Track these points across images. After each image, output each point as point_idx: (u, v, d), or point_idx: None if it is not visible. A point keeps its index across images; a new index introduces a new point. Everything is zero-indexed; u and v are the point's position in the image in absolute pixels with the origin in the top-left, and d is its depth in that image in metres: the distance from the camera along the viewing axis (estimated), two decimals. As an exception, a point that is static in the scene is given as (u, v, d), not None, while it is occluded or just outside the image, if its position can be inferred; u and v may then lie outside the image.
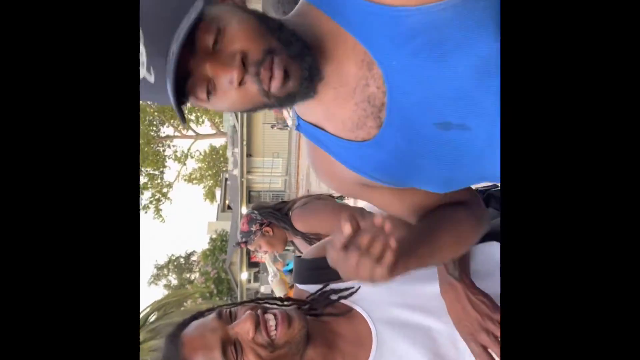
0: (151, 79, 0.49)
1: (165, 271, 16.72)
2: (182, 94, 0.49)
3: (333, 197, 1.50)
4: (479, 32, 0.49)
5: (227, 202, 15.97)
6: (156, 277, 16.64)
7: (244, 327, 0.65)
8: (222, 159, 16.40)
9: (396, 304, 0.76)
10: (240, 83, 0.47)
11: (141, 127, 13.50)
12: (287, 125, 11.51)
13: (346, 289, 0.76)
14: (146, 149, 13.81)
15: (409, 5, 0.49)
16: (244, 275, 12.38)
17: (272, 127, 12.54)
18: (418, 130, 0.55)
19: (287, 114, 10.30)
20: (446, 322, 0.73)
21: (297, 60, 0.49)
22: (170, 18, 0.48)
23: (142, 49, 0.48)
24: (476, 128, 0.54)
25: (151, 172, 14.56)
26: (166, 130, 14.91)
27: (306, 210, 1.36)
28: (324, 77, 0.52)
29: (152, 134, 14.23)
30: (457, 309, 0.71)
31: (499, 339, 0.67)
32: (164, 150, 15.21)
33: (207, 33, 0.47)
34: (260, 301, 0.77)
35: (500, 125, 0.45)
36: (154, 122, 14.21)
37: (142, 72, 0.49)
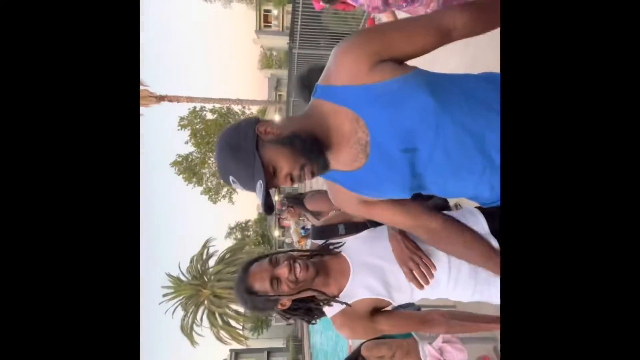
0: (238, 187, 0.77)
1: (234, 230, 26.27)
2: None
3: (326, 191, 1.98)
4: (417, 91, 0.74)
5: None
6: (228, 234, 26.03)
7: (283, 270, 0.99)
8: None
9: (366, 252, 1.07)
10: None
11: None
12: None
13: (338, 243, 1.10)
14: None
15: (375, 82, 0.75)
16: (276, 233, 17.96)
17: None
18: (390, 155, 0.78)
19: None
20: (393, 263, 1.02)
21: (317, 161, 0.76)
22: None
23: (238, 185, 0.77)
24: (422, 149, 0.77)
25: None
26: None
27: (312, 198, 2.16)
28: (331, 148, 0.78)
29: None
30: (397, 249, 0.99)
31: (419, 266, 0.96)
32: None
33: (268, 172, 0.74)
34: (294, 252, 1.09)
35: (435, 147, 0.73)
36: None
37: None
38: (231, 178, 0.78)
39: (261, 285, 1.01)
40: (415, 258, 0.97)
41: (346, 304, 1.04)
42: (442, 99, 0.75)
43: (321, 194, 2.26)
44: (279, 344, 20.17)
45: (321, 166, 0.78)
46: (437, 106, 0.74)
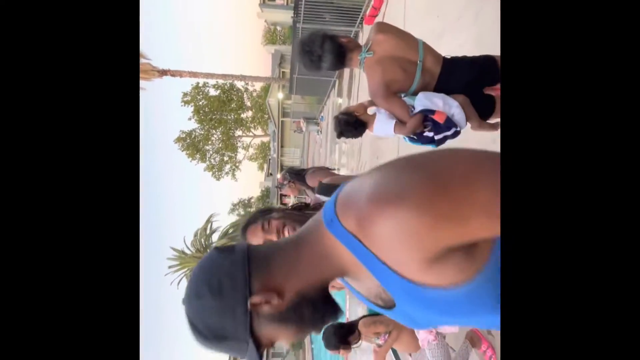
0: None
1: (237, 207, 26.74)
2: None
3: (327, 168, 2.30)
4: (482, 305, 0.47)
5: (269, 171, 25.16)
6: (231, 210, 26.53)
7: (272, 237, 1.02)
8: (267, 148, 25.55)
9: None
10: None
11: (224, 130, 22.25)
12: (302, 131, 19.58)
13: None
14: (227, 142, 22.45)
15: (427, 285, 0.46)
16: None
17: (294, 132, 20.56)
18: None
19: (302, 124, 19.19)
20: None
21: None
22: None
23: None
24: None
25: (230, 154, 22.61)
26: (238, 132, 23.46)
27: (313, 175, 2.15)
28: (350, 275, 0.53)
29: (230, 134, 22.65)
30: None
31: None
32: (236, 143, 23.15)
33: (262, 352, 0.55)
34: (292, 210, 1.12)
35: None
36: (232, 128, 22.85)
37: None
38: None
39: None
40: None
41: None
42: None
43: (322, 170, 2.27)
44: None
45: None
46: None
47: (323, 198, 1.20)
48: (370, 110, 1.79)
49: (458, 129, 1.65)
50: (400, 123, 1.67)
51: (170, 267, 13.24)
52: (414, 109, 1.63)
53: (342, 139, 1.81)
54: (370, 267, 0.48)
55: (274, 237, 1.03)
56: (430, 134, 1.67)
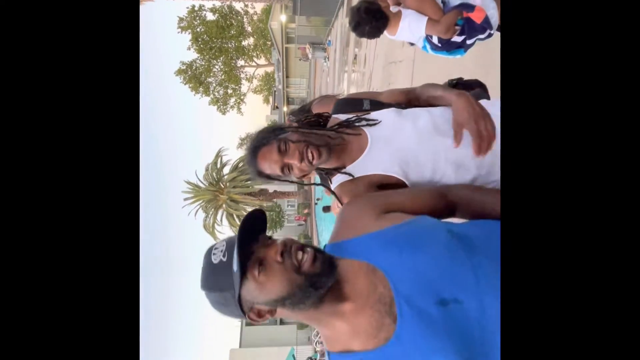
0: (224, 259, 0.64)
1: (245, 141, 27.45)
2: (244, 270, 0.62)
3: (334, 95, 2.00)
4: (435, 228, 0.68)
5: (275, 104, 24.93)
6: (240, 145, 25.90)
7: (294, 161, 0.90)
8: (272, 79, 24.77)
9: (391, 129, 0.97)
10: (282, 255, 0.62)
11: (225, 60, 21.70)
12: (308, 59, 19.32)
13: (372, 120, 0.98)
14: (230, 73, 21.84)
15: (386, 227, 0.69)
16: None
17: (300, 59, 19.88)
18: (425, 317, 0.58)
19: (308, 50, 18.25)
20: (421, 143, 0.93)
21: (323, 257, 0.64)
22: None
23: (224, 244, 0.67)
24: (467, 301, 0.58)
25: (234, 87, 22.44)
26: (240, 62, 22.68)
27: (319, 103, 1.93)
28: (338, 278, 0.64)
29: (232, 64, 21.90)
30: (466, 105, 0.86)
31: (487, 130, 0.82)
32: (240, 74, 22.77)
33: (264, 236, 0.67)
34: (307, 126, 1.01)
35: (491, 298, 0.54)
36: (234, 58, 21.98)
37: (219, 257, 0.65)
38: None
39: (272, 170, 0.94)
40: (486, 120, 0.85)
41: (349, 174, 0.97)
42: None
43: (329, 98, 2.13)
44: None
45: (327, 257, 0.68)
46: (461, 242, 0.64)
47: (342, 117, 1.04)
48: (394, 8, 1.61)
49: (492, 31, 1.53)
50: (432, 20, 1.55)
51: (185, 199, 13.76)
52: (445, 5, 1.51)
53: (355, 37, 1.74)
54: (348, 252, 0.71)
55: (295, 161, 0.90)
56: (460, 39, 1.55)
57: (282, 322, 18.71)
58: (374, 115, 1.01)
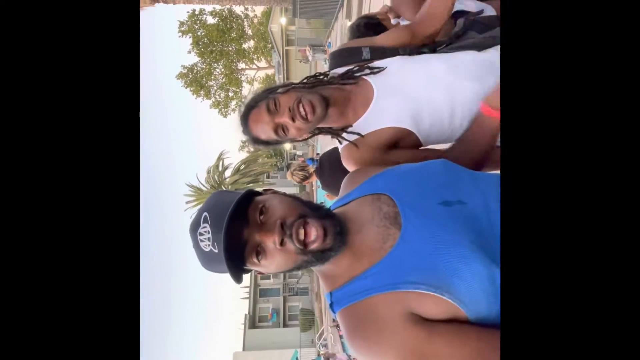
0: (215, 250, 0.56)
1: (247, 144, 27.33)
2: (241, 262, 0.58)
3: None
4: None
5: None
6: (241, 147, 27.43)
7: (284, 119, 0.81)
8: (272, 81, 24.26)
9: (398, 76, 0.86)
10: (282, 244, 0.56)
11: (226, 63, 21.93)
12: (309, 61, 19.59)
13: (377, 68, 0.88)
14: (231, 76, 21.92)
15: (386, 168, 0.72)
16: (287, 145, 22.01)
17: (300, 61, 19.82)
18: (429, 214, 0.58)
19: (308, 52, 18.30)
20: (433, 90, 0.83)
21: (327, 219, 0.58)
22: (228, 207, 0.56)
23: (208, 229, 0.57)
24: (471, 202, 0.58)
25: (235, 90, 22.53)
26: (241, 65, 22.81)
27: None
28: (350, 229, 0.60)
29: (233, 67, 22.15)
30: None
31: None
32: (240, 77, 22.92)
33: (254, 210, 0.59)
34: (301, 85, 0.88)
35: (495, 203, 0.55)
36: (234, 61, 22.10)
37: (209, 246, 0.57)
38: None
39: (266, 134, 0.85)
40: None
41: (358, 134, 0.87)
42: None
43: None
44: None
45: (336, 222, 0.63)
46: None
47: (340, 70, 0.93)
48: (394, 21, 1.59)
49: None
50: None
51: (187, 202, 13.77)
52: None
53: None
54: (350, 196, 0.74)
55: (286, 119, 0.80)
56: None
57: (285, 325, 18.73)
58: (377, 63, 0.90)
